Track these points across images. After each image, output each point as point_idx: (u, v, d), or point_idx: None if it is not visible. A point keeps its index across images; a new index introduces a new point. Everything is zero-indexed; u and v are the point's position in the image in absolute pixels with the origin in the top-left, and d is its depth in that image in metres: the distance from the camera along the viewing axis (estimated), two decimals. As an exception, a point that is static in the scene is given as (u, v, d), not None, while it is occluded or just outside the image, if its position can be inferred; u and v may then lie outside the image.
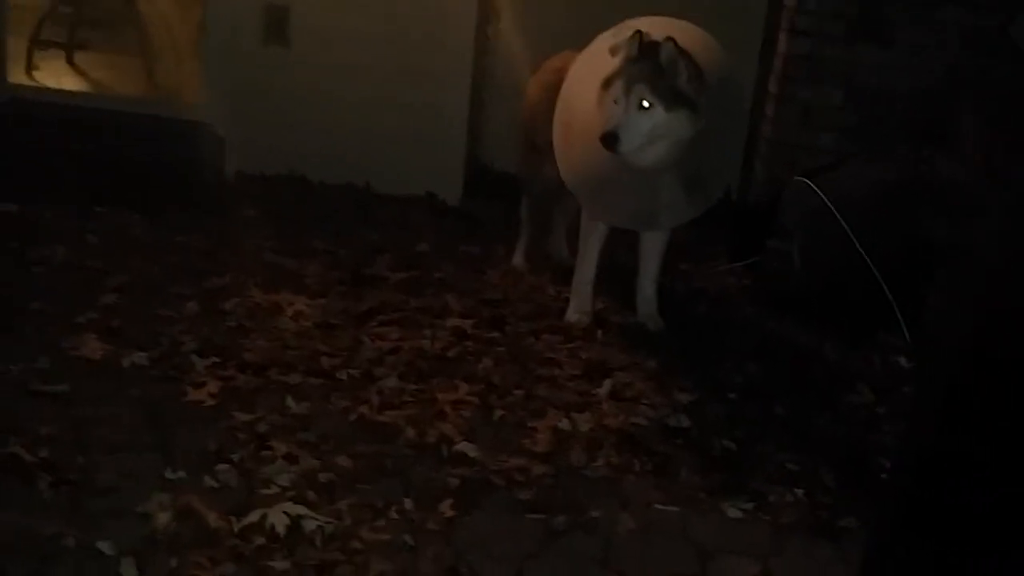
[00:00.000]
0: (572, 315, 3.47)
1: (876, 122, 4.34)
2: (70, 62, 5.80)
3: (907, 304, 3.45)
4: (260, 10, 4.65)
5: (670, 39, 2.98)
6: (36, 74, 5.39)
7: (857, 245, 3.50)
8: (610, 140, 2.99)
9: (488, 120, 4.96)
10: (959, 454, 1.95)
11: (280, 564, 2.09)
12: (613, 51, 3.08)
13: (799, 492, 2.52)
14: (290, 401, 2.73)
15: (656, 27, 3.10)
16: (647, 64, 2.99)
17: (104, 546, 2.09)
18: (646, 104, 2.99)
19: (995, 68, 3.75)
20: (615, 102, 3.02)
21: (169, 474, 2.36)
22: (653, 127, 3.00)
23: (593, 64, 3.17)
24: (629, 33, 3.05)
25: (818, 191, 3.64)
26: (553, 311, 3.53)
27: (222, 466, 2.41)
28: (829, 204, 3.58)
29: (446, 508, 2.34)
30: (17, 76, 5.08)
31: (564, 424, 2.75)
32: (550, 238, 4.06)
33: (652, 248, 3.51)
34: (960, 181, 3.59)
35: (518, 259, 3.97)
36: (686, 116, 3.01)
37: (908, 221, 3.58)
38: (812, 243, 3.67)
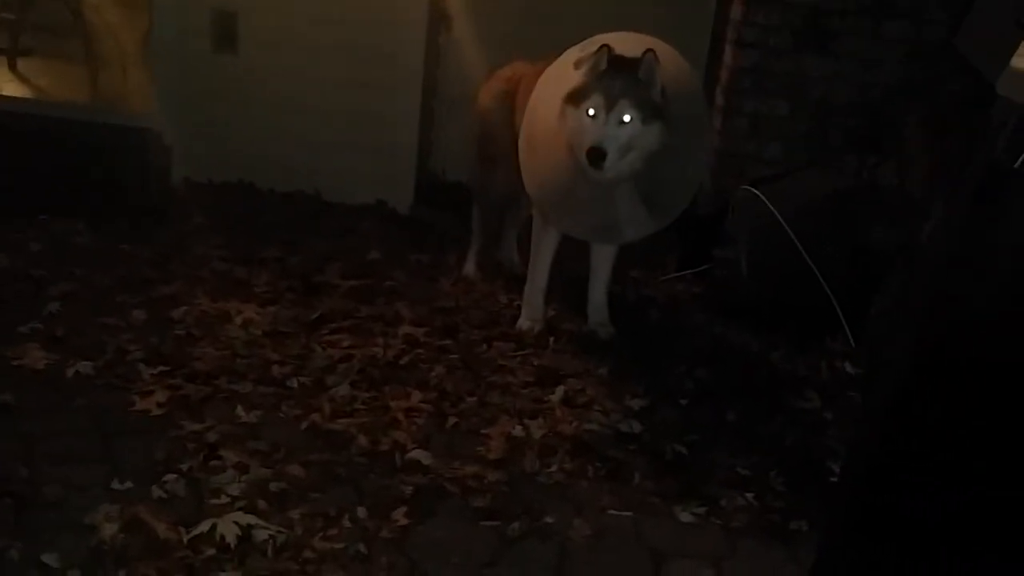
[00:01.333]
0: (524, 323, 3.48)
1: (822, 132, 4.42)
2: (12, 68, 5.71)
3: (852, 310, 3.51)
4: (208, 16, 4.60)
5: (651, 51, 2.98)
6: (-23, 81, 5.32)
7: (802, 252, 3.56)
8: (596, 156, 2.95)
9: (439, 129, 4.96)
10: (906, 457, 1.99)
11: (231, 575, 2.06)
12: (578, 64, 3.07)
13: (750, 496, 2.53)
14: (240, 410, 2.70)
15: (626, 43, 3.09)
16: (626, 78, 2.99)
17: (50, 559, 2.04)
18: (627, 119, 2.98)
19: (940, 79, 3.83)
20: (591, 117, 2.99)
21: (116, 485, 2.31)
22: (630, 140, 2.99)
23: (560, 78, 3.16)
24: (595, 47, 3.04)
25: (764, 199, 3.69)
26: (505, 319, 3.53)
27: (170, 476, 2.37)
28: (775, 212, 3.63)
29: (400, 516, 2.32)
30: (-43, 84, 5.01)
31: (517, 431, 2.75)
32: (501, 246, 4.07)
33: (602, 256, 3.53)
34: (904, 189, 3.66)
35: (469, 267, 3.96)
36: (659, 129, 3.02)
37: (853, 229, 3.64)
38: (759, 251, 3.72)
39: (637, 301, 3.89)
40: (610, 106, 2.97)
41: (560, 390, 3.01)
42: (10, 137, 4.45)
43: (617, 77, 2.99)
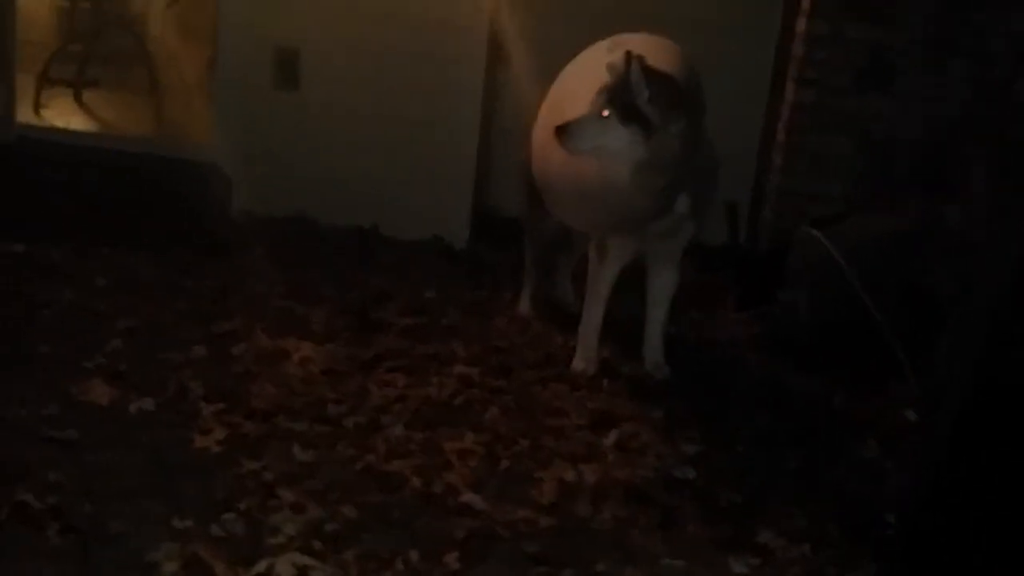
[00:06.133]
0: (579, 363, 3.48)
1: (885, 171, 4.37)
2: (78, 100, 5.86)
3: (915, 355, 3.45)
4: (270, 52, 4.70)
5: (639, 58, 3.02)
6: (44, 112, 5.46)
7: (862, 295, 3.51)
8: (560, 133, 3.09)
9: (496, 164, 4.99)
10: (961, 504, 1.96)
11: (287, 616, 2.09)
12: (610, 67, 3.13)
13: (805, 547, 2.51)
14: (297, 449, 2.74)
15: (647, 48, 3.16)
16: (619, 79, 3.05)
17: (113, 595, 2.09)
18: (605, 113, 3.05)
19: (1003, 119, 3.79)
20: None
21: (176, 522, 2.35)
22: (603, 135, 3.05)
23: (586, 72, 3.26)
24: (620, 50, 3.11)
25: (825, 242, 3.66)
26: (559, 359, 3.54)
27: (229, 515, 2.41)
28: (836, 255, 3.59)
29: (452, 560, 2.33)
30: (25, 114, 5.14)
31: (570, 475, 2.75)
32: (556, 284, 4.07)
33: (659, 296, 3.53)
34: (966, 232, 3.61)
35: (524, 305, 3.97)
36: (639, 133, 3.04)
37: (915, 271, 3.59)
38: (820, 292, 3.68)
39: (694, 342, 3.88)
40: (596, 99, 3.08)
41: (614, 434, 3.01)
42: (74, 170, 4.59)
43: (616, 77, 3.06)
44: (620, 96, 3.04)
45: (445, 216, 4.76)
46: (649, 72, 3.03)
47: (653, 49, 3.15)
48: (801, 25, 4.47)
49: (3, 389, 2.87)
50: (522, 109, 4.61)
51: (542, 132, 3.42)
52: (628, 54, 3.02)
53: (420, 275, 4.24)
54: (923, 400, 3.30)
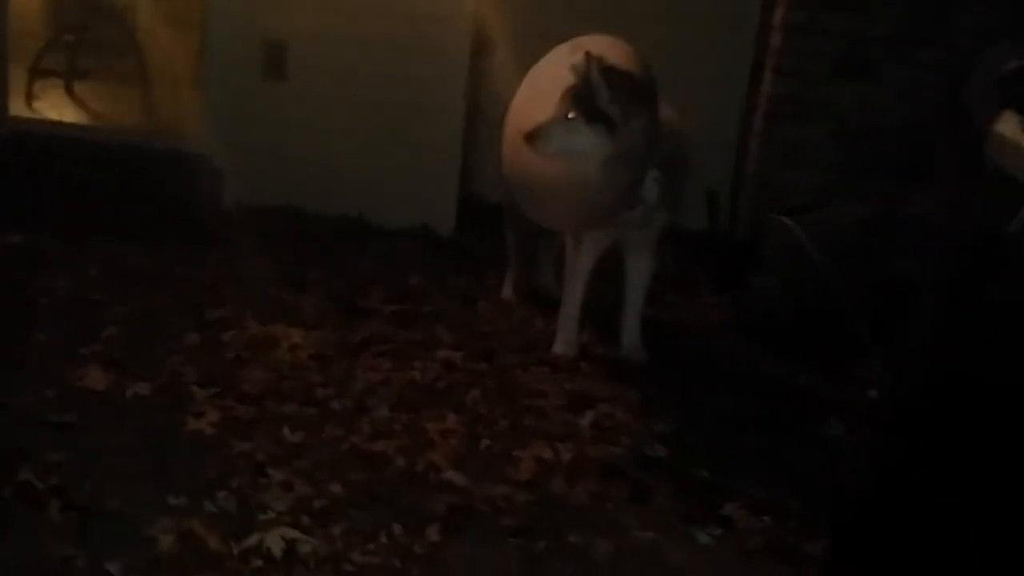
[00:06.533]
0: (559, 347, 3.61)
1: (859, 160, 4.50)
2: (69, 91, 5.94)
3: (881, 338, 3.59)
4: (259, 44, 4.80)
5: (598, 58, 3.15)
6: (36, 104, 5.53)
7: (831, 281, 3.65)
8: (530, 137, 3.21)
9: (481, 152, 5.10)
10: (914, 478, 2.09)
11: (277, 586, 2.23)
12: (574, 69, 3.23)
13: (767, 519, 2.65)
14: (286, 431, 2.86)
15: (606, 48, 3.28)
16: (582, 81, 3.17)
17: (113, 568, 2.22)
18: (570, 115, 3.17)
19: (961, 110, 3.90)
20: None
21: (172, 500, 2.48)
22: (571, 136, 3.17)
23: (550, 74, 3.38)
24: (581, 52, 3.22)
25: (794, 228, 3.79)
26: (541, 343, 3.67)
27: (222, 492, 2.54)
28: (805, 241, 3.73)
29: (433, 533, 2.46)
30: (17, 107, 5.23)
31: (547, 454, 2.88)
32: (538, 271, 4.20)
33: (636, 282, 3.66)
34: (931, 219, 3.73)
35: (507, 291, 4.10)
36: (603, 132, 3.17)
37: (882, 258, 3.73)
38: (790, 278, 3.82)
39: (670, 326, 4.01)
40: (561, 101, 3.20)
41: (590, 414, 3.14)
42: (67, 161, 4.68)
43: (580, 79, 3.18)
44: (583, 98, 3.16)
45: (431, 204, 4.88)
46: (608, 72, 3.15)
47: (611, 49, 3.27)
48: (778, 15, 4.59)
49: (4, 376, 2.99)
50: (505, 98, 4.76)
51: (511, 134, 3.54)
52: (587, 55, 3.14)
53: (406, 262, 4.36)
54: (883, 380, 3.45)
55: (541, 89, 3.39)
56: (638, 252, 3.62)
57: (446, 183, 4.91)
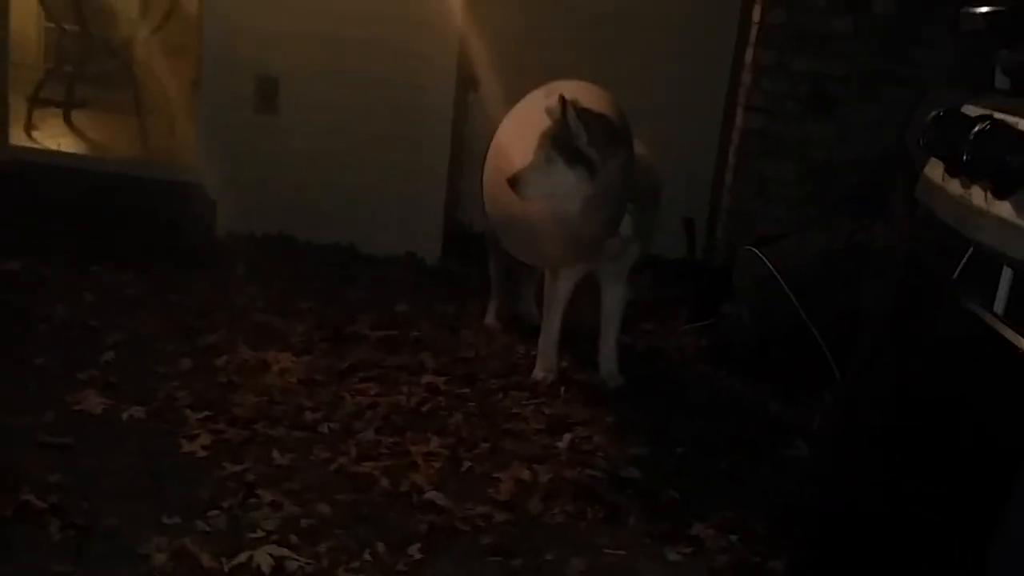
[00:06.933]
0: (539, 373, 3.75)
1: (824, 193, 4.68)
2: (67, 121, 6.09)
3: (844, 363, 3.74)
4: (251, 80, 4.96)
5: (573, 102, 3.29)
6: (35, 134, 5.68)
7: (798, 308, 3.80)
8: (514, 183, 3.33)
9: (466, 183, 5.25)
10: (868, 494, 2.21)
11: (266, 601, 2.35)
12: (549, 111, 3.37)
13: (733, 538, 2.77)
14: (275, 453, 2.98)
15: (579, 91, 3.41)
16: (558, 124, 3.31)
17: (109, 584, 2.34)
18: (550, 159, 3.30)
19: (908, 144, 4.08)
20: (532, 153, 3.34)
21: (165, 519, 2.60)
22: (554, 178, 3.30)
23: (527, 117, 3.50)
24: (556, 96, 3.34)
25: (764, 259, 3.95)
26: (521, 368, 3.81)
27: (213, 512, 2.65)
28: (773, 271, 3.88)
29: (415, 551, 2.58)
30: (17, 136, 5.37)
31: (526, 475, 3.01)
32: (519, 298, 4.35)
33: (611, 311, 3.80)
34: (892, 249, 3.90)
35: (490, 318, 4.25)
36: (584, 173, 3.30)
37: (843, 287, 3.88)
38: (760, 307, 3.97)
39: (647, 352, 4.16)
40: (540, 146, 3.33)
41: (567, 437, 3.28)
42: (65, 190, 4.81)
43: (556, 123, 3.32)
44: (562, 141, 3.30)
45: (418, 233, 5.04)
46: (584, 115, 3.30)
47: (584, 93, 3.41)
48: (749, 55, 4.78)
49: (5, 399, 3.12)
50: (491, 130, 4.92)
51: (492, 176, 3.65)
52: (562, 99, 3.29)
53: (394, 290, 4.51)
54: (832, 401, 3.60)
55: (519, 133, 3.52)
56: (613, 282, 3.76)
57: (432, 213, 5.07)
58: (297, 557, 2.49)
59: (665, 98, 5.00)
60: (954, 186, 1.69)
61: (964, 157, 1.57)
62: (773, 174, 4.74)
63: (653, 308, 4.50)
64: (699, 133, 5.17)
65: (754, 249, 4.00)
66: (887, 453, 2.14)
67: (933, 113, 1.73)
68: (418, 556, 2.57)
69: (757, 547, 2.75)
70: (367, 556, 2.55)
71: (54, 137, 5.66)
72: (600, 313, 3.82)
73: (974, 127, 1.57)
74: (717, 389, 3.83)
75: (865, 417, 2.25)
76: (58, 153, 5.39)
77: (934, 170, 1.82)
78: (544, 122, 3.35)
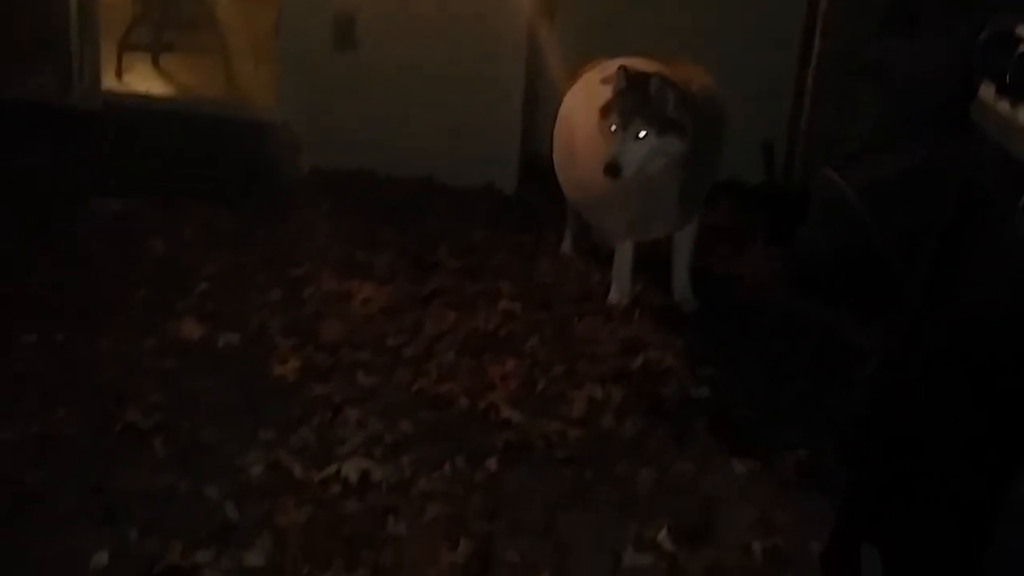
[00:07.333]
0: (613, 297, 3.83)
1: (903, 112, 4.59)
2: (155, 65, 6.28)
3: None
4: (329, 18, 5.06)
5: (656, 75, 3.32)
6: (124, 78, 5.89)
7: (875, 232, 3.79)
8: (613, 170, 3.32)
9: (542, 113, 5.29)
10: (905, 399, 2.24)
11: (352, 506, 2.53)
12: (605, 81, 3.41)
13: (802, 453, 2.85)
14: (360, 375, 3.15)
15: (640, 64, 3.45)
16: (638, 97, 3.32)
17: (210, 491, 2.54)
18: (642, 135, 3.32)
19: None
20: (613, 132, 3.34)
21: (261, 434, 2.80)
22: (649, 152, 3.34)
23: (590, 90, 3.55)
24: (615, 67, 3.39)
25: (841, 180, 3.93)
26: (596, 294, 3.88)
27: (304, 429, 2.84)
28: (851, 193, 3.87)
29: (492, 464, 2.73)
30: (108, 81, 5.58)
31: (598, 394, 3.12)
32: (594, 227, 4.41)
33: (681, 242, 3.85)
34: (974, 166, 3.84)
35: (566, 246, 4.32)
36: (676, 139, 3.36)
37: (926, 206, 3.84)
38: (836, 229, 3.96)
39: (722, 276, 4.19)
40: (625, 124, 3.32)
41: (640, 358, 3.36)
42: (155, 133, 5.01)
43: (631, 96, 3.34)
44: (648, 112, 3.32)
45: (495, 164, 5.11)
46: (663, 82, 3.33)
47: (645, 66, 3.44)
48: (827, -27, 4.68)
49: (110, 329, 3.33)
50: (565, 62, 4.95)
51: (562, 149, 3.75)
52: (623, 68, 3.33)
53: (472, 220, 4.60)
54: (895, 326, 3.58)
55: (586, 117, 3.55)
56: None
57: (509, 144, 5.12)
58: (381, 468, 2.67)
59: (740, 22, 4.95)
60: (1003, 106, 1.70)
61: (1009, 78, 1.59)
62: (852, 95, 4.66)
63: (731, 232, 4.51)
64: (777, 56, 5.10)
65: (831, 171, 3.98)
66: (941, 378, 2.17)
67: (984, 33, 1.75)
68: (495, 468, 2.72)
69: (826, 462, 2.82)
70: (447, 469, 2.71)
71: (144, 81, 5.86)
72: (672, 240, 3.87)
73: (1020, 48, 1.58)
74: (791, 313, 3.85)
75: (922, 341, 2.28)
76: (148, 96, 5.58)
77: (986, 91, 1.83)
78: (604, 95, 3.38)
